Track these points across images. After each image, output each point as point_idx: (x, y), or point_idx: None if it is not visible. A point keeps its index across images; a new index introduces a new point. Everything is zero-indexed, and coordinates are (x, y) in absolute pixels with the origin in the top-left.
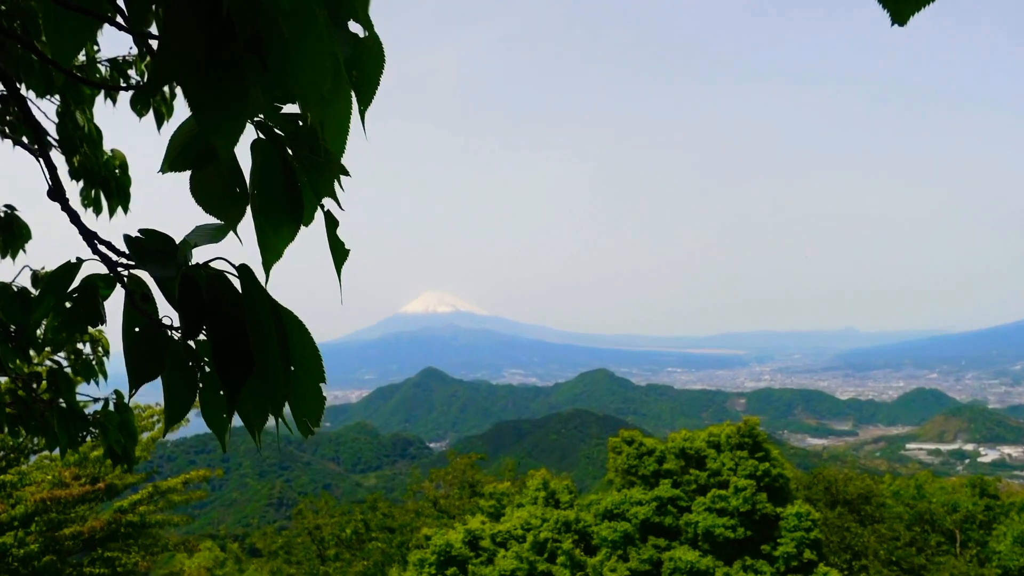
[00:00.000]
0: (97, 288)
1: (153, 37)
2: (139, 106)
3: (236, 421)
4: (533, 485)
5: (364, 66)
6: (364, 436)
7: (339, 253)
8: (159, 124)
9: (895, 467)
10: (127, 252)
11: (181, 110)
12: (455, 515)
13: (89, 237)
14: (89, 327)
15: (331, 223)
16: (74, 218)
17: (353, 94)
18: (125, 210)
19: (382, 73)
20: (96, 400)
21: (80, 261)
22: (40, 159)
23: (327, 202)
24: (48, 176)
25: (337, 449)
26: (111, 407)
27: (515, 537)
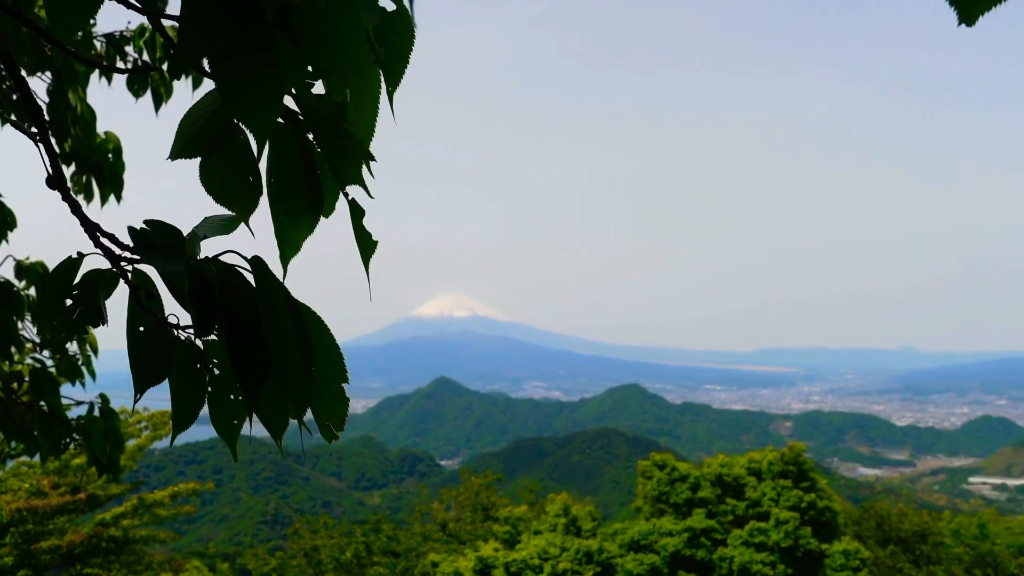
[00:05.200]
0: (98, 285)
1: (168, 16)
2: (136, 86)
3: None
4: (553, 510)
5: (392, 42)
6: (369, 450)
7: (366, 245)
8: (157, 106)
9: (956, 502)
10: (131, 245)
11: (180, 92)
12: (466, 540)
13: (91, 229)
14: (90, 327)
15: (356, 212)
16: (75, 208)
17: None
18: (118, 198)
19: (412, 50)
20: (81, 403)
21: (82, 256)
22: (40, 144)
23: (352, 190)
24: (48, 162)
25: (339, 464)
26: (96, 411)
27: (531, 567)
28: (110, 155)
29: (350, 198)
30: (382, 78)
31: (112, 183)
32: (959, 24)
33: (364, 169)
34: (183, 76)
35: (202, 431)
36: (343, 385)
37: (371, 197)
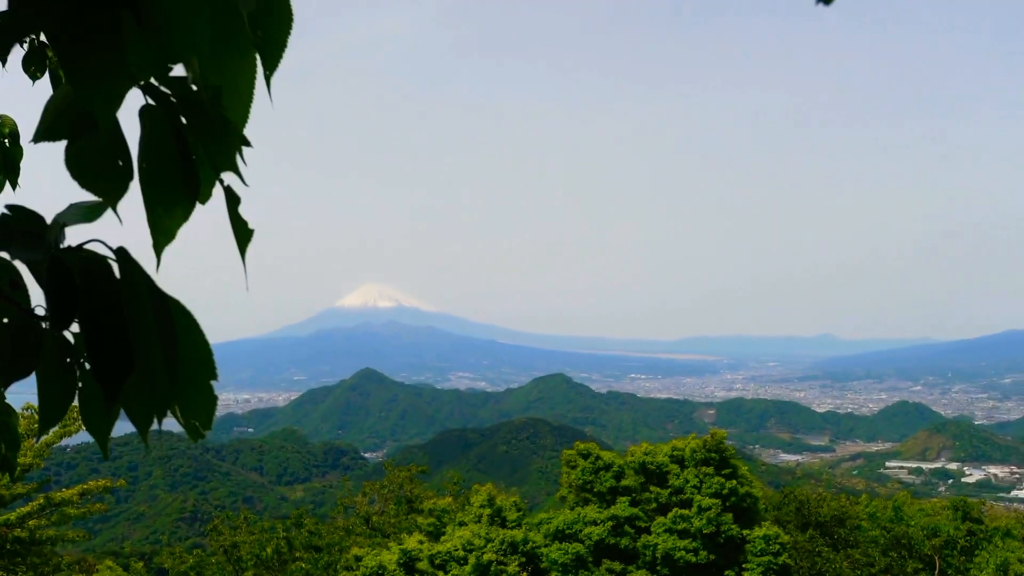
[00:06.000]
0: None
1: None
2: (33, 68)
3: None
4: (477, 501)
5: (269, 25)
6: (291, 444)
7: (242, 234)
8: (56, 87)
9: (873, 486)
10: None
11: None
12: (390, 534)
13: None
14: None
15: (232, 200)
16: None
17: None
18: (13, 185)
19: (289, 33)
20: None
21: None
22: None
23: (227, 177)
24: None
25: (260, 458)
26: None
27: (456, 559)
28: (5, 140)
29: (225, 185)
30: (259, 61)
31: (7, 170)
32: (816, 3)
33: (239, 155)
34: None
35: (117, 426)
36: (211, 382)
37: (245, 184)
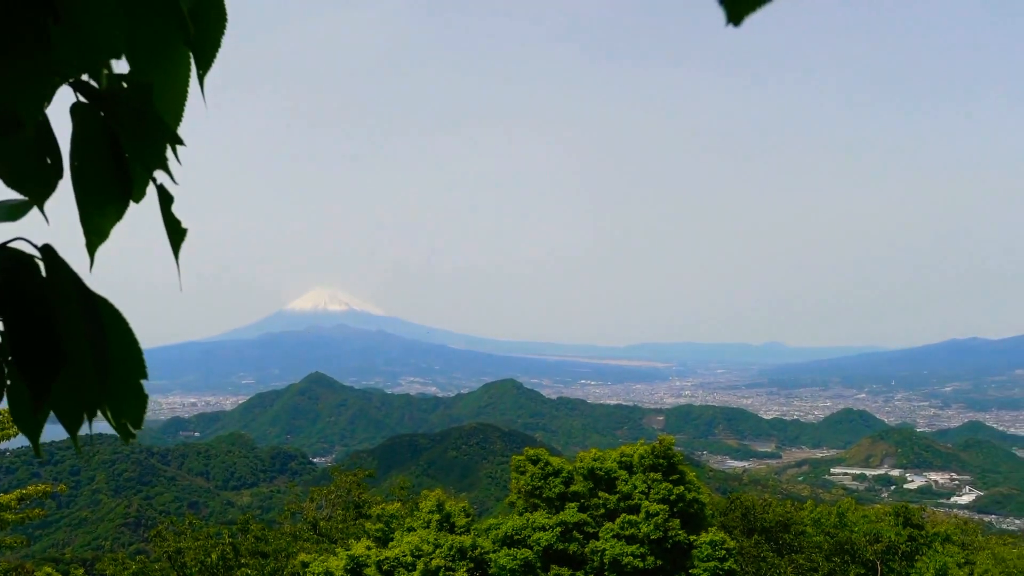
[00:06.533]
0: None
1: None
2: None
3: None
4: (426, 507)
5: (202, 23)
6: (239, 448)
7: (176, 233)
8: None
9: (818, 492)
10: None
11: None
12: (337, 539)
13: None
14: None
15: (165, 199)
16: None
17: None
18: None
19: (224, 32)
20: None
21: None
22: None
23: (160, 175)
24: None
25: (207, 462)
26: None
27: (404, 565)
28: None
29: (159, 184)
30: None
31: None
32: (727, 24)
33: (173, 154)
34: None
35: (59, 430)
36: (141, 381)
37: (175, 183)
